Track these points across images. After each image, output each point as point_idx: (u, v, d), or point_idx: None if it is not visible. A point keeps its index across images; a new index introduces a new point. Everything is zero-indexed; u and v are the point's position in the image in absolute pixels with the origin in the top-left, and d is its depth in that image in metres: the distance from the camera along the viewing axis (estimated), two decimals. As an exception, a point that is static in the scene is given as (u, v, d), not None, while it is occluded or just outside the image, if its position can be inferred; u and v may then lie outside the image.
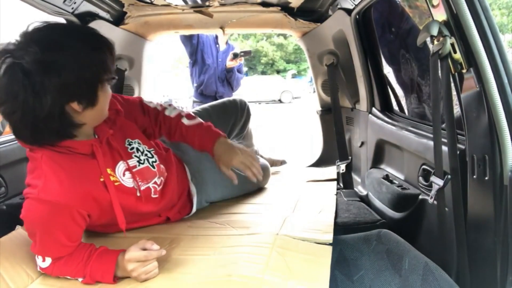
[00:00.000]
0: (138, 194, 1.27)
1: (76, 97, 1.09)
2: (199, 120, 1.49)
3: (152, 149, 1.38)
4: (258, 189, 1.92)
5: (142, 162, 1.31)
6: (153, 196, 1.32)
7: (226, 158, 1.40)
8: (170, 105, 1.55)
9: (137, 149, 1.33)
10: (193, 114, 1.52)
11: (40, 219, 1.10)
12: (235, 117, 1.88)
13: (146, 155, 1.34)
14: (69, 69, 1.05)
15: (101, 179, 1.19)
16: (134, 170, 1.27)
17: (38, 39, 1.04)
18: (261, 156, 2.18)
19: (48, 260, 1.13)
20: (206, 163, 1.58)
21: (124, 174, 1.25)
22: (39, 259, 1.14)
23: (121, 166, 1.25)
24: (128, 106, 1.42)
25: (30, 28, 1.07)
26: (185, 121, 1.47)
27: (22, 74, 1.01)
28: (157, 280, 1.09)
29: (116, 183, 1.22)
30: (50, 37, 1.06)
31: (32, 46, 1.02)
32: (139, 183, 1.27)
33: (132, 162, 1.28)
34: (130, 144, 1.33)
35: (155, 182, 1.33)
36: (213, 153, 1.43)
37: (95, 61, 1.11)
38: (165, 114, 1.49)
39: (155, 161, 1.35)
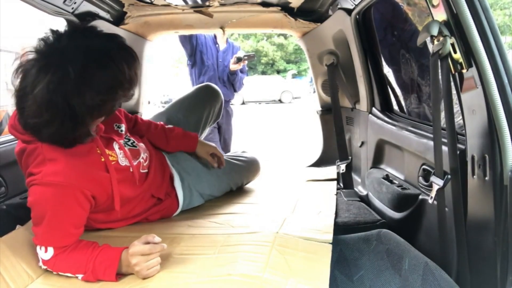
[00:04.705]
0: (131, 169, 1.36)
1: (105, 114, 1.21)
2: (173, 126, 1.71)
3: (128, 133, 1.51)
4: (257, 189, 1.93)
5: (124, 145, 1.41)
6: (141, 171, 1.42)
7: (206, 148, 1.71)
8: None
9: (124, 132, 1.46)
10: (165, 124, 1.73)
11: (46, 203, 1.14)
12: (210, 105, 1.93)
13: (125, 139, 1.45)
14: (106, 93, 1.13)
15: (102, 159, 1.27)
16: (125, 148, 1.38)
17: (77, 61, 1.07)
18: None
19: (50, 251, 1.14)
20: (184, 154, 1.71)
21: (120, 152, 1.35)
22: (41, 251, 1.15)
23: (116, 145, 1.36)
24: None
25: (66, 38, 1.10)
26: (164, 125, 1.69)
27: (61, 98, 1.06)
28: (157, 279, 1.09)
29: (113, 162, 1.30)
30: (88, 58, 1.09)
31: (71, 65, 1.05)
32: (132, 160, 1.37)
33: (122, 142, 1.39)
34: (119, 127, 1.45)
35: (142, 157, 1.44)
36: (194, 150, 1.70)
37: (126, 81, 1.17)
38: (141, 118, 1.69)
39: (134, 142, 1.46)
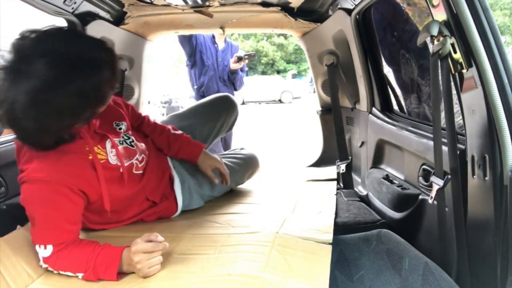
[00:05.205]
0: (121, 170, 1.33)
1: (82, 123, 1.18)
2: (181, 132, 1.66)
3: (130, 131, 1.47)
4: (257, 189, 1.93)
5: (121, 143, 1.38)
6: (135, 172, 1.39)
7: (210, 162, 1.63)
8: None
9: (124, 131, 1.43)
10: (175, 128, 1.69)
11: (35, 200, 1.14)
12: (225, 115, 1.90)
13: (123, 137, 1.41)
14: (71, 115, 1.10)
15: (90, 157, 1.25)
16: (118, 147, 1.35)
17: (42, 76, 1.03)
18: None
19: (50, 248, 1.14)
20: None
21: (111, 151, 1.32)
22: (40, 249, 1.15)
23: (109, 143, 1.33)
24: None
25: (39, 39, 1.07)
26: (171, 130, 1.64)
27: (29, 114, 1.04)
28: (157, 278, 1.09)
29: (102, 161, 1.27)
30: (54, 71, 1.04)
31: (40, 67, 1.03)
32: (123, 160, 1.34)
33: (117, 140, 1.37)
34: (118, 125, 1.42)
35: (136, 159, 1.41)
36: (196, 161, 1.63)
37: (94, 97, 1.13)
38: (149, 119, 1.66)
39: (133, 141, 1.43)
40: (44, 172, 1.15)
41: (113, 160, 1.31)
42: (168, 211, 1.55)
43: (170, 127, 1.67)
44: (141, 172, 1.43)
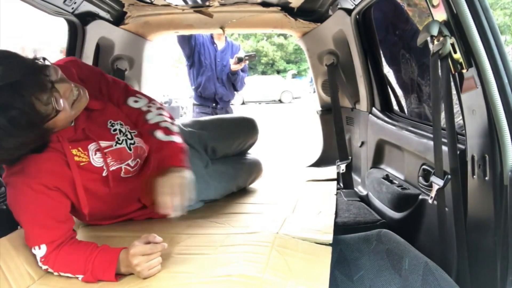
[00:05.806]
0: (104, 173, 1.28)
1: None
2: (176, 138, 1.35)
3: (135, 131, 1.38)
4: (257, 189, 1.93)
5: (120, 142, 1.32)
6: (123, 175, 1.33)
7: (172, 180, 1.23)
8: (158, 108, 1.43)
9: (120, 131, 1.34)
10: (172, 130, 1.37)
11: (16, 201, 1.14)
12: (244, 136, 1.88)
13: (126, 135, 1.34)
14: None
15: (65, 158, 1.21)
16: (107, 150, 1.28)
17: None
18: None
19: (43, 248, 1.14)
20: (194, 160, 1.58)
21: (95, 154, 1.26)
22: (35, 250, 1.15)
23: (93, 146, 1.26)
24: (108, 89, 1.41)
25: None
26: (158, 134, 1.33)
27: None
28: (157, 279, 1.09)
29: (82, 163, 1.23)
30: None
31: None
32: (110, 163, 1.28)
33: (107, 143, 1.29)
34: (112, 126, 1.33)
35: (128, 164, 1.33)
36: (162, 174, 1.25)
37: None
38: (145, 118, 1.38)
39: (133, 143, 1.35)
40: (20, 172, 1.14)
41: (97, 162, 1.26)
42: (160, 213, 1.53)
43: (163, 126, 1.36)
44: (130, 175, 1.36)
